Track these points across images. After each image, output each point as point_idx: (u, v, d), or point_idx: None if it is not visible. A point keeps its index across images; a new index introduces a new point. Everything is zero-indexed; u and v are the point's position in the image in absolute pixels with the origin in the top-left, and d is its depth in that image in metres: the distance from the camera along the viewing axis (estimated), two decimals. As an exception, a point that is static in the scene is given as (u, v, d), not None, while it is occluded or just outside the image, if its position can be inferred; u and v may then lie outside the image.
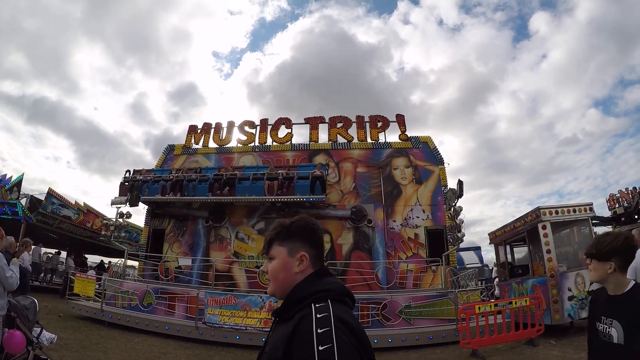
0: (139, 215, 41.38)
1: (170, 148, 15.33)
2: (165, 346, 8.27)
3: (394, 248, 12.57)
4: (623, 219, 25.32)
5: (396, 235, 12.71)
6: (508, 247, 11.47)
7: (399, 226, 12.81)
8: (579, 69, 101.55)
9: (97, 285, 11.35)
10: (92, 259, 24.42)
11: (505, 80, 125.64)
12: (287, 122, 14.84)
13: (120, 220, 12.95)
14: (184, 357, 7.68)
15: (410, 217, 12.86)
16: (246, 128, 15.01)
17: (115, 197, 13.21)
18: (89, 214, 18.75)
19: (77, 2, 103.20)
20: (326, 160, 13.70)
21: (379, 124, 14.27)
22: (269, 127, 14.78)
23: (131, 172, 14.00)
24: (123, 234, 14.58)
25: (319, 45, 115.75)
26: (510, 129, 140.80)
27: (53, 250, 20.43)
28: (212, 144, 15.03)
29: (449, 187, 12.79)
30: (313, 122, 14.73)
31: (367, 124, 14.29)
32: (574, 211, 9.05)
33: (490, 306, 7.92)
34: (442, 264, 11.51)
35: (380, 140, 14.09)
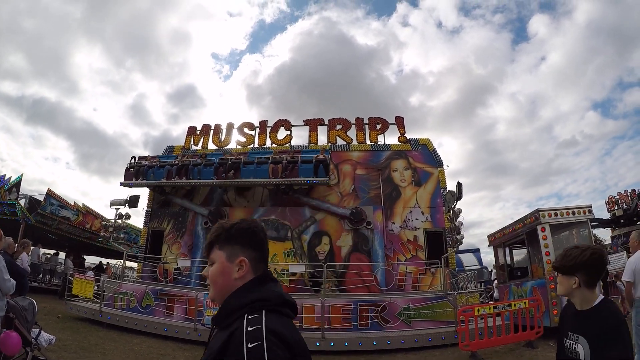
0: (138, 217, 41.35)
1: (170, 149, 15.33)
2: (164, 348, 8.25)
3: (393, 250, 12.56)
4: (622, 221, 25.36)
5: (395, 237, 12.71)
6: (507, 249, 11.48)
7: (398, 228, 12.81)
8: (577, 72, 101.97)
9: (96, 287, 11.33)
10: (91, 260, 24.41)
11: (504, 82, 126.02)
12: (287, 124, 14.85)
13: (119, 221, 12.96)
14: (183, 358, 7.66)
15: (409, 219, 12.87)
16: (245, 130, 15.01)
17: (115, 199, 13.21)
18: (87, 215, 18.74)
19: (76, 3, 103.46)
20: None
21: (378, 126, 14.28)
22: (268, 129, 14.79)
23: (136, 159, 14.07)
24: (122, 235, 14.61)
25: (318, 47, 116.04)
26: (509, 131, 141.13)
27: (52, 251, 20.38)
28: (211, 146, 15.02)
29: (448, 189, 12.83)
30: (312, 124, 14.74)
31: (366, 126, 14.29)
32: (573, 213, 9.06)
33: (490, 308, 7.92)
34: (441, 266, 11.50)
35: (379, 143, 14.09)
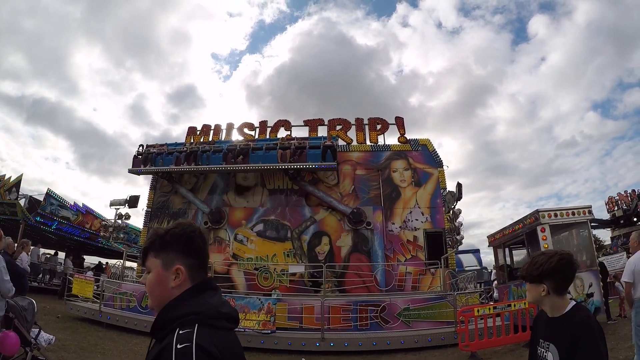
0: (137, 217, 41.34)
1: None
2: (163, 348, 8.22)
3: (393, 250, 12.56)
4: (622, 221, 25.39)
5: (395, 238, 12.71)
6: (507, 250, 11.47)
7: (397, 229, 12.81)
8: (577, 72, 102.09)
9: (96, 287, 11.32)
10: (90, 260, 24.37)
11: (504, 83, 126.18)
12: (286, 124, 14.87)
13: (119, 221, 12.93)
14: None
15: (409, 220, 12.87)
16: (245, 130, 15.03)
17: (114, 199, 13.19)
18: (87, 215, 18.72)
19: (76, 3, 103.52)
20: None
21: (378, 127, 14.27)
22: (268, 129, 14.82)
23: (144, 146, 14.09)
24: (122, 235, 14.56)
25: (318, 48, 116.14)
26: (509, 132, 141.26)
27: (52, 251, 20.37)
28: (211, 146, 15.01)
29: (447, 189, 12.81)
30: (312, 125, 14.74)
31: (366, 127, 14.30)
32: (573, 214, 9.05)
33: (489, 309, 7.92)
34: (441, 267, 11.50)
35: (379, 143, 14.10)
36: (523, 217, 9.84)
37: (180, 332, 1.04)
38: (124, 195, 14.27)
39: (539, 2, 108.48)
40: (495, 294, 13.53)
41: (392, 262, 12.31)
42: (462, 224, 12.07)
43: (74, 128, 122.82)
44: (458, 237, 11.25)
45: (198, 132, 15.30)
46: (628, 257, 6.33)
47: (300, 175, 13.17)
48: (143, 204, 14.73)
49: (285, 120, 15.01)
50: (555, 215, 8.97)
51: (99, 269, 20.46)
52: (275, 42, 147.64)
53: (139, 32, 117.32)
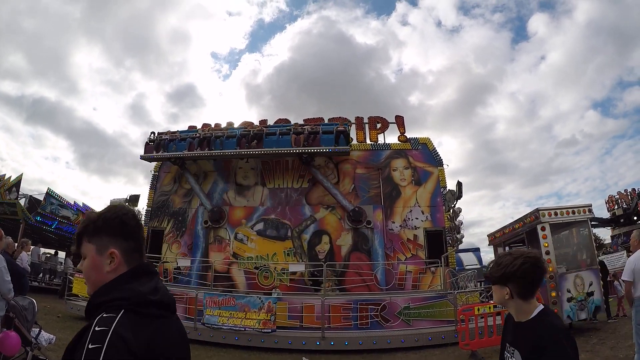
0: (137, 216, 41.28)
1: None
2: (164, 347, 8.23)
3: (393, 249, 12.56)
4: (622, 220, 25.39)
5: (395, 237, 12.71)
6: (507, 249, 11.46)
7: (398, 227, 12.81)
8: (577, 71, 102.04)
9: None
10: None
11: (504, 81, 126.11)
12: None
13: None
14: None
15: (409, 219, 12.86)
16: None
17: (114, 198, 13.21)
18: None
19: (76, 3, 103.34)
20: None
21: (378, 125, 14.25)
22: (269, 128, 14.77)
23: (156, 133, 14.12)
24: (122, 235, 14.55)
25: (317, 47, 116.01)
26: (509, 130, 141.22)
27: (52, 251, 20.37)
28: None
29: (448, 188, 12.83)
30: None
31: (366, 125, 14.28)
32: (573, 212, 9.04)
33: (490, 307, 7.91)
34: (441, 265, 11.51)
35: (379, 142, 14.08)
36: (523, 216, 9.83)
37: (104, 315, 1.05)
38: (124, 194, 14.34)
39: (538, 0, 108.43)
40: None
41: (393, 261, 12.31)
42: (462, 223, 12.13)
43: (73, 128, 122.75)
44: (458, 236, 11.29)
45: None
46: (628, 256, 6.32)
47: (313, 160, 13.17)
48: (143, 203, 14.78)
49: (285, 119, 14.92)
50: (556, 214, 8.97)
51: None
52: (274, 41, 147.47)
53: (138, 31, 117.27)
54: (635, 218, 24.19)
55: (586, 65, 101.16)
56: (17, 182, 16.48)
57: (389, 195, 13.16)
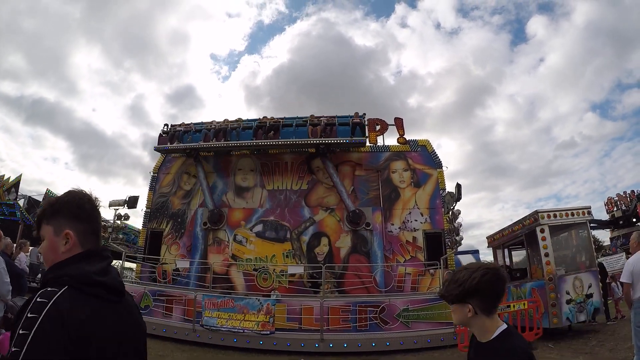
0: (136, 217, 41.29)
1: (169, 150, 15.29)
2: (162, 349, 8.22)
3: (392, 251, 12.55)
4: (621, 222, 25.42)
5: (394, 239, 12.70)
6: (506, 251, 11.47)
7: (397, 229, 12.80)
8: (576, 73, 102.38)
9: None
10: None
11: (503, 83, 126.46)
12: (286, 125, 14.83)
13: (118, 222, 12.93)
14: (182, 359, 7.65)
15: (408, 221, 12.86)
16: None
17: (113, 199, 13.20)
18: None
19: (76, 3, 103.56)
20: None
21: (378, 127, 14.22)
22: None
23: (169, 125, 14.14)
24: (121, 236, 14.57)
25: (317, 48, 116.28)
26: (508, 132, 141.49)
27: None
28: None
29: (447, 190, 12.83)
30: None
31: (366, 127, 14.27)
32: (572, 215, 9.05)
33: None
34: (440, 267, 11.48)
35: (378, 144, 14.07)
36: (522, 218, 9.84)
37: (48, 289, 1.09)
38: (123, 195, 14.28)
39: (537, 2, 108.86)
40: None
41: (392, 263, 12.30)
42: (461, 225, 12.12)
43: (73, 128, 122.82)
44: (457, 238, 11.29)
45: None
46: (627, 258, 6.33)
47: (330, 151, 13.23)
48: (142, 204, 14.75)
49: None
50: (555, 216, 8.98)
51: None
52: (273, 43, 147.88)
53: (138, 32, 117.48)
54: (634, 220, 24.23)
55: (585, 68, 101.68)
56: (16, 183, 16.48)
57: (388, 197, 13.16)
